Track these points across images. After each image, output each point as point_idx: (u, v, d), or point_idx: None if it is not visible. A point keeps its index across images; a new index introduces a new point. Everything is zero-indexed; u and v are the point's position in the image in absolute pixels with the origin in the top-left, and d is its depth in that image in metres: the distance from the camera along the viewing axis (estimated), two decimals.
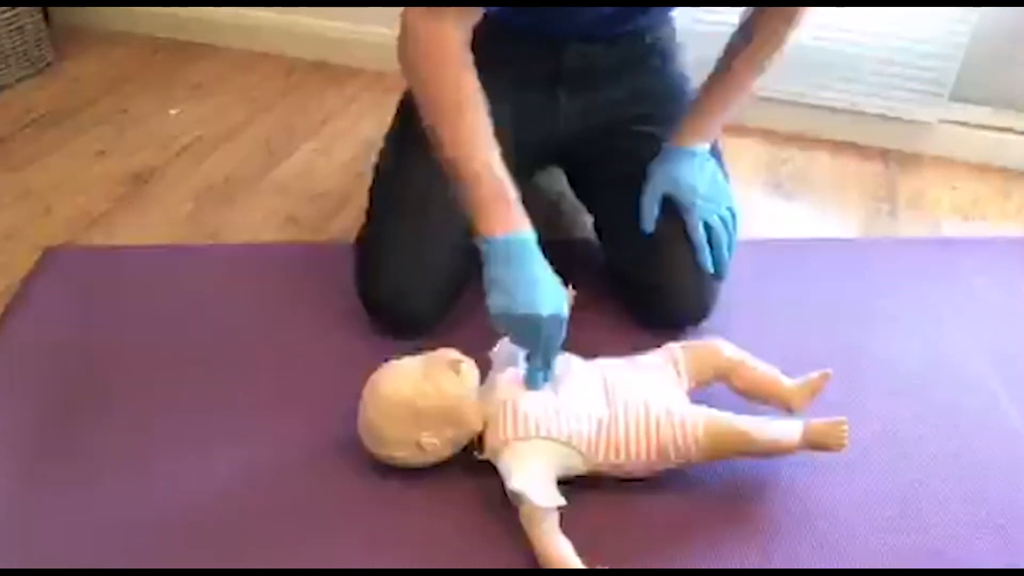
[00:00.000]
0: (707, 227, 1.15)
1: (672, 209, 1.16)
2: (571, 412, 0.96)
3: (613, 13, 1.17)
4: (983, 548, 0.94)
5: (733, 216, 1.18)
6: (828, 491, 0.99)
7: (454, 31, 0.99)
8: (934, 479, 1.01)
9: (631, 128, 1.24)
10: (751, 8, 1.14)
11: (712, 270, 1.16)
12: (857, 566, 0.92)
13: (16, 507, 0.97)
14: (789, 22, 1.11)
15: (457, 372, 0.96)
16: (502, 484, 0.92)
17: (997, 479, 1.01)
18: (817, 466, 1.00)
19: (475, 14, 1.01)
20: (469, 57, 1.00)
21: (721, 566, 0.91)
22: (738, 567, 0.91)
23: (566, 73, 1.23)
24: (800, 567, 0.91)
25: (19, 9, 1.89)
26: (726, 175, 1.22)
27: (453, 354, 0.98)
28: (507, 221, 0.97)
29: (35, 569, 0.90)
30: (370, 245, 1.19)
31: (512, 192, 0.98)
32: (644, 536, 0.94)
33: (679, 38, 1.33)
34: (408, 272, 1.15)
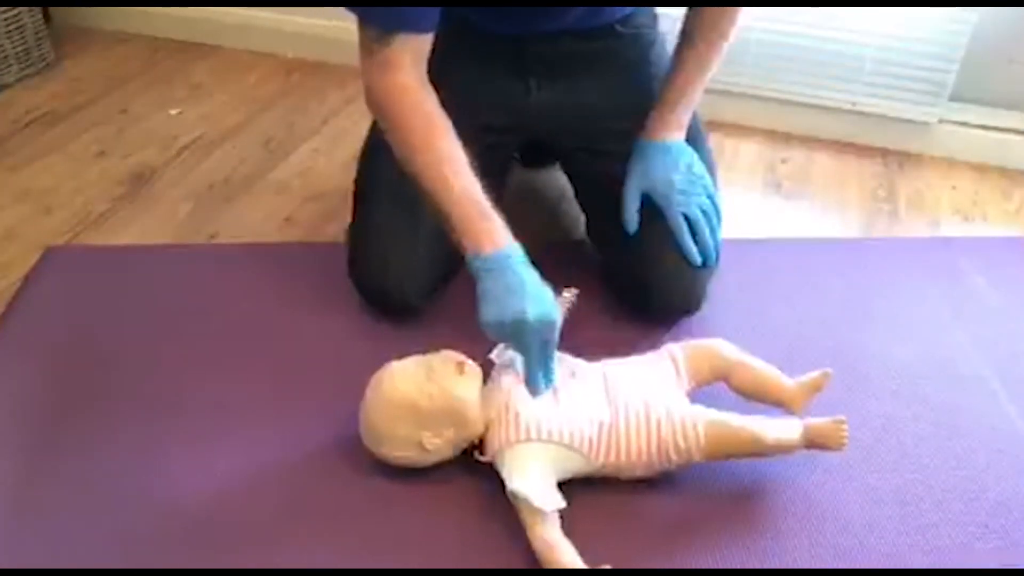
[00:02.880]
0: (688, 219, 1.15)
1: (653, 205, 1.16)
2: (572, 414, 0.96)
3: (576, 19, 1.18)
4: (983, 548, 0.94)
5: (714, 204, 1.18)
6: (828, 491, 0.99)
7: (408, 76, 1.04)
8: (934, 479, 1.01)
9: (612, 125, 1.23)
10: (693, 8, 1.15)
11: (699, 261, 1.16)
12: (857, 566, 0.91)
13: (17, 506, 0.97)
14: (733, 22, 1.14)
15: (461, 373, 0.96)
16: (503, 485, 0.92)
17: (997, 479, 1.01)
18: (817, 466, 1.00)
19: (424, 53, 1.05)
20: (429, 93, 1.05)
21: (721, 566, 0.91)
22: (738, 567, 0.91)
23: (533, 62, 1.23)
24: (800, 567, 0.91)
25: (19, 9, 1.89)
26: (708, 163, 1.21)
27: (456, 355, 0.98)
28: (493, 238, 1.00)
29: (35, 569, 0.90)
30: (356, 227, 1.22)
31: (492, 210, 1.02)
32: (644, 536, 0.94)
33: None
34: (392, 246, 1.17)
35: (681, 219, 1.14)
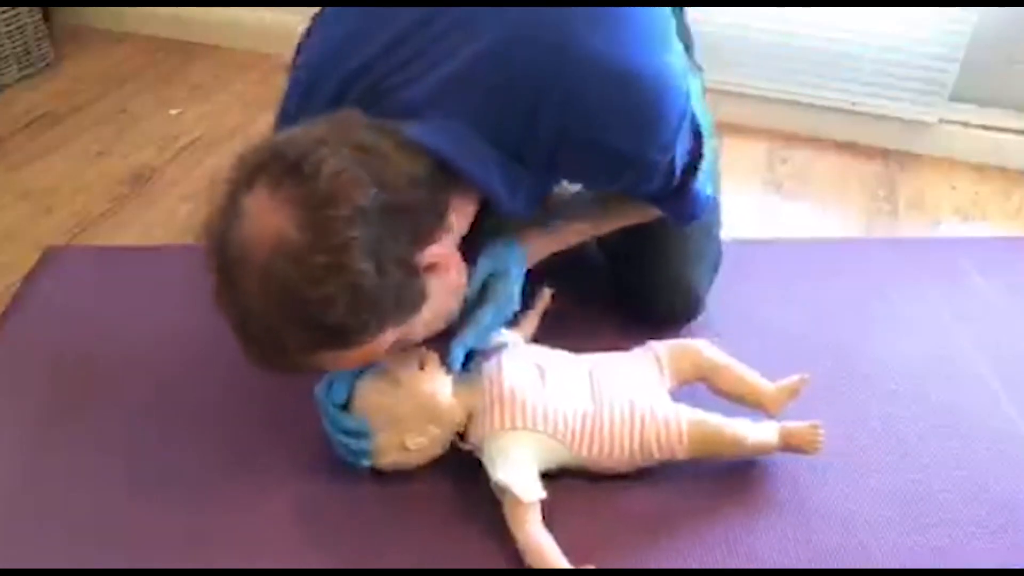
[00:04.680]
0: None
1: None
2: (556, 404, 0.96)
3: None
4: (983, 548, 0.94)
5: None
6: (826, 490, 0.99)
7: None
8: (934, 479, 1.01)
9: None
10: None
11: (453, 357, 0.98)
12: (855, 566, 0.91)
13: (16, 506, 0.97)
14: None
15: (423, 367, 0.96)
16: (487, 478, 0.92)
17: (997, 479, 1.01)
18: (816, 465, 1.00)
19: None
20: None
21: (716, 565, 0.91)
22: (734, 567, 0.91)
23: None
24: (799, 567, 0.91)
25: (19, 9, 1.89)
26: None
27: (416, 351, 0.96)
28: None
29: (35, 569, 0.91)
30: None
31: None
32: (632, 532, 0.94)
33: None
34: None
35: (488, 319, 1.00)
